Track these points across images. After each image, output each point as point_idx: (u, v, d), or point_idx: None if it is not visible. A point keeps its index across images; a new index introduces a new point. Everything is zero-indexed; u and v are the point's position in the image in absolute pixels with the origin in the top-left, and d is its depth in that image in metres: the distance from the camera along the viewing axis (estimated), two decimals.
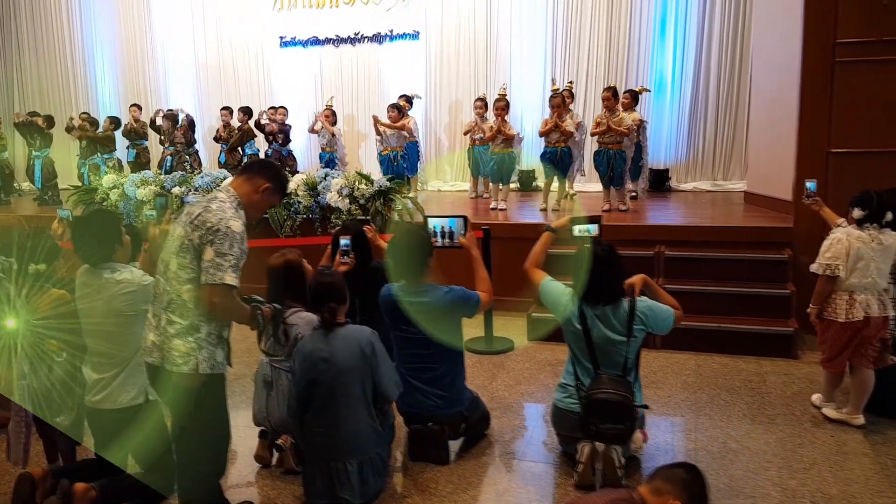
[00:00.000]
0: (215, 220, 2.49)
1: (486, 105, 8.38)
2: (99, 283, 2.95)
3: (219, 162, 9.56)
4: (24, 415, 3.11)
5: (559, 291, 3.22)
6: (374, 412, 3.05)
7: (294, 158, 9.41)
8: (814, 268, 3.85)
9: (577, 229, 3.48)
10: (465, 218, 3.64)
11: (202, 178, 7.24)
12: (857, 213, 3.80)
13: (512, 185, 9.10)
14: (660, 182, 8.77)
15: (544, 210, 7.22)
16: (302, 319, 3.35)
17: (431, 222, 3.70)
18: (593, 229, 3.45)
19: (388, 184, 6.63)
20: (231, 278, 2.47)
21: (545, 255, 3.43)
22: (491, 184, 7.64)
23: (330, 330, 2.99)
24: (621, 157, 7.02)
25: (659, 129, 8.95)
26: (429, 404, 3.43)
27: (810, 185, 4.37)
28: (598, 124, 7.06)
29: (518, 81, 9.37)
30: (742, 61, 8.61)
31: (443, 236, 3.79)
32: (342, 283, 3.09)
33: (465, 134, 8.42)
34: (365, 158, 10.20)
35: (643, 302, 3.11)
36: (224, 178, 7.18)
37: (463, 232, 3.63)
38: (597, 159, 7.14)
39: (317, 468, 2.97)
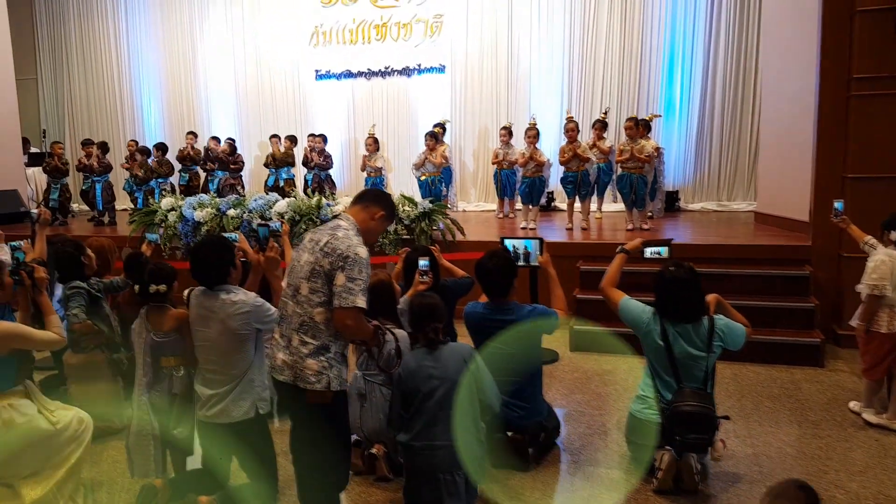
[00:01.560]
0: (344, 247, 2.48)
1: (510, 133, 8.43)
2: (215, 305, 2.93)
3: (266, 185, 9.54)
4: (150, 428, 3.06)
5: (640, 310, 3.21)
6: (479, 424, 3.02)
7: (333, 183, 9.40)
8: (861, 289, 3.84)
9: (649, 251, 3.47)
10: (541, 240, 3.63)
11: (255, 200, 7.21)
12: (894, 235, 3.82)
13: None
14: (670, 202, 8.81)
15: (570, 229, 7.23)
16: (394, 336, 3.32)
17: (508, 243, 3.67)
18: (664, 251, 3.44)
19: (430, 206, 6.63)
20: (362, 301, 2.45)
21: (620, 274, 3.41)
22: (521, 204, 7.64)
23: (434, 348, 2.96)
24: (643, 181, 7.06)
25: (668, 153, 9.00)
26: (512, 415, 3.41)
27: (838, 204, 4.37)
28: (621, 152, 7.11)
29: (537, 110, 9.42)
30: (745, 89, 8.70)
31: (516, 258, 3.77)
32: (442, 304, 3.07)
33: (494, 163, 8.43)
34: (393, 181, 10.19)
35: (721, 320, 3.10)
36: (275, 202, 7.16)
37: (539, 252, 3.62)
38: (620, 183, 7.19)
39: (423, 479, 2.92)
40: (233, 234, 5.83)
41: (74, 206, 10.92)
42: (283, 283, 2.71)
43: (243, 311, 2.91)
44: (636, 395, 3.31)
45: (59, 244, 4.26)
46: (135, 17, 11.53)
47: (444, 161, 8.33)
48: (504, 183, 8.40)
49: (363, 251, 2.51)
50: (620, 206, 7.81)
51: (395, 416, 3.06)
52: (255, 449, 3.05)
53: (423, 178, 8.28)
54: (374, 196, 2.80)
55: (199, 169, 9.81)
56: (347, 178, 10.37)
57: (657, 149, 7.85)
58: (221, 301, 2.93)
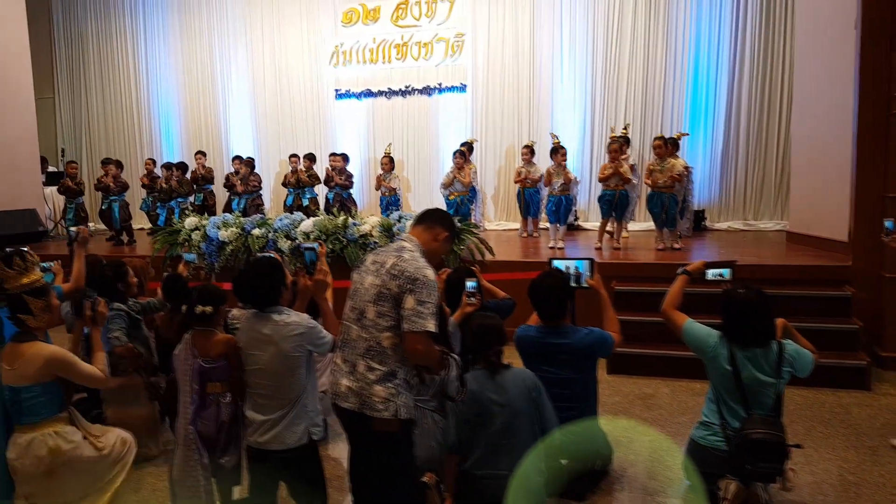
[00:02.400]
0: (412, 269, 2.41)
1: (532, 151, 8.40)
2: (268, 327, 2.86)
3: (285, 205, 9.52)
4: (198, 457, 2.97)
5: (705, 333, 3.12)
6: (540, 453, 2.93)
7: (354, 202, 9.37)
8: None
9: (712, 273, 3.40)
10: (591, 260, 3.56)
11: (281, 220, 7.16)
12: None
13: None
14: (697, 222, 8.74)
15: (599, 248, 7.16)
16: (456, 362, 3.25)
17: (558, 264, 3.61)
18: (727, 273, 3.36)
19: (458, 225, 6.57)
20: (432, 325, 2.37)
21: (682, 297, 3.34)
22: (549, 224, 7.59)
23: (496, 372, 2.88)
24: (674, 200, 7.00)
25: (693, 172, 8.94)
26: (567, 442, 3.30)
27: (888, 223, 4.31)
28: (650, 171, 7.05)
29: (559, 129, 9.41)
30: (770, 108, 8.68)
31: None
32: (503, 325, 3.00)
33: (517, 182, 8.40)
34: (413, 200, 10.18)
35: (790, 345, 3.02)
36: (301, 221, 7.12)
37: (590, 274, 3.54)
38: (651, 202, 7.12)
39: None
40: (314, 245, 5.83)
41: (91, 226, 10.91)
42: (346, 307, 2.64)
43: (297, 333, 2.85)
44: (699, 421, 3.21)
45: (101, 265, 4.22)
46: (154, 38, 11.61)
47: (472, 180, 8.32)
48: (527, 202, 8.36)
49: (431, 273, 2.44)
50: (642, 224, 7.75)
51: (451, 440, 2.97)
52: (306, 476, 2.98)
53: (451, 197, 8.25)
54: (438, 216, 2.72)
55: (212, 188, 9.83)
56: (368, 198, 10.34)
57: (686, 167, 7.80)
58: (274, 323, 2.87)
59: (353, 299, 2.54)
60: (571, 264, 3.61)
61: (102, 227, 10.08)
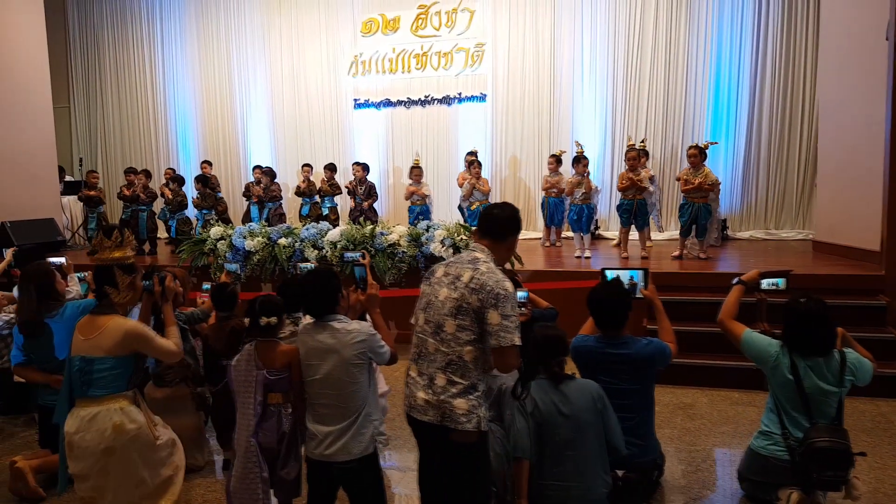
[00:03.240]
0: (492, 282, 2.41)
1: (559, 161, 8.45)
2: (329, 335, 2.88)
3: (300, 215, 9.56)
4: (258, 469, 2.98)
5: (766, 343, 3.15)
6: (606, 465, 2.95)
7: (375, 212, 9.41)
8: None
9: (766, 283, 3.43)
10: (646, 270, 3.59)
11: (308, 229, 7.20)
12: None
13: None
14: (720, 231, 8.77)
15: (626, 258, 7.19)
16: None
17: (610, 273, 3.63)
18: (782, 283, 3.40)
19: None
20: (518, 338, 2.40)
21: (738, 307, 3.37)
22: (573, 233, 7.62)
23: (559, 382, 2.91)
24: (707, 210, 7.04)
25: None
26: (627, 453, 3.32)
27: None
28: (685, 181, 7.07)
29: (579, 139, 9.46)
30: (791, 117, 8.75)
31: None
32: (565, 336, 3.02)
33: (544, 189, 8.45)
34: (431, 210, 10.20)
35: (851, 354, 3.05)
36: (327, 231, 7.15)
37: (644, 284, 3.57)
38: (682, 211, 7.15)
39: None
40: (356, 254, 5.88)
41: None
42: (417, 318, 2.66)
43: (359, 340, 2.86)
44: (758, 431, 3.24)
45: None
46: (171, 46, 11.67)
47: (490, 188, 8.39)
48: (552, 211, 8.40)
49: (510, 285, 2.46)
50: (667, 233, 7.79)
51: (524, 446, 2.95)
52: (369, 486, 2.98)
53: (473, 207, 8.29)
54: (507, 222, 2.64)
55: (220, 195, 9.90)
56: (387, 207, 10.38)
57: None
58: (335, 331, 2.88)
59: (428, 312, 2.55)
60: (625, 274, 3.64)
61: None
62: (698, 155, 6.88)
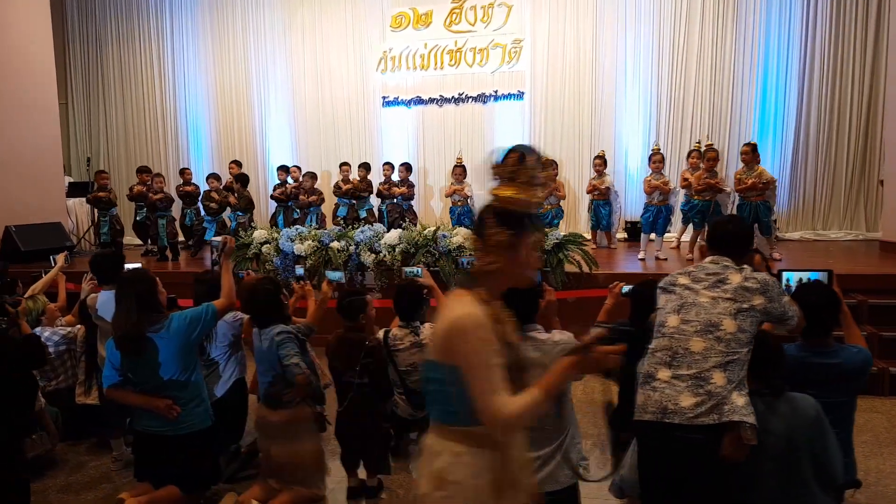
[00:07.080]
0: (766, 279, 2.54)
1: (604, 162, 8.22)
2: (533, 347, 2.55)
3: (334, 216, 9.11)
4: None
5: None
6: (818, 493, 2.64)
7: (414, 213, 9.01)
8: None
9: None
10: (830, 272, 3.32)
11: (362, 232, 6.77)
12: None
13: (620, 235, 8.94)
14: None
15: (643, 259, 7.11)
16: None
17: (788, 276, 3.36)
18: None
19: (562, 236, 6.29)
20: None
21: None
22: (643, 234, 7.38)
23: (776, 397, 2.60)
24: (767, 207, 6.88)
25: None
26: None
27: None
28: (739, 181, 6.91)
29: (622, 139, 9.27)
30: (840, 116, 8.68)
31: None
32: (783, 347, 2.74)
33: (589, 192, 8.22)
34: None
35: None
36: (383, 233, 6.74)
37: (829, 285, 3.30)
38: (741, 212, 6.97)
39: None
40: (416, 269, 5.42)
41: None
42: (670, 320, 2.43)
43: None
44: None
45: (257, 281, 3.81)
46: (181, 39, 11.10)
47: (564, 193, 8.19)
48: (598, 215, 8.17)
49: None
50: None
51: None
52: None
53: (544, 211, 8.00)
54: (738, 234, 2.75)
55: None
56: (419, 207, 9.98)
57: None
58: (540, 342, 2.58)
59: (688, 313, 2.51)
60: (805, 276, 3.36)
61: (137, 241, 9.51)
62: (751, 153, 6.71)
